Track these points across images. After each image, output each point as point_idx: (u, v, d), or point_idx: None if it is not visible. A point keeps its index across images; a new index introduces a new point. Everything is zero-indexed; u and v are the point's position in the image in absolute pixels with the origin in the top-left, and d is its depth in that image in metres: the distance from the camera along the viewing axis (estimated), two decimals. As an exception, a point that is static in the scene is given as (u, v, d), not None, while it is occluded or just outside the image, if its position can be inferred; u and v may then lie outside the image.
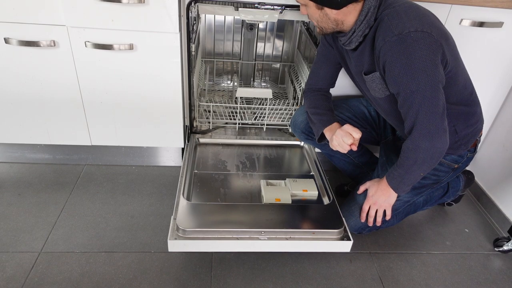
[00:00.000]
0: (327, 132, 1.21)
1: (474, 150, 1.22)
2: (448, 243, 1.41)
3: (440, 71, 0.95)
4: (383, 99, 1.10)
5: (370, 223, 1.23)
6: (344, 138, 1.12)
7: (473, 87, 1.13)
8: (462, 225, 1.51)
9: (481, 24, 1.32)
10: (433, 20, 0.97)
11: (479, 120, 1.18)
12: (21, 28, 1.20)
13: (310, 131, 1.43)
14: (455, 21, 1.32)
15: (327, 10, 1.00)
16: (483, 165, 1.65)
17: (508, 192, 1.49)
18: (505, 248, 1.38)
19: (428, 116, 0.96)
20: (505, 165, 1.52)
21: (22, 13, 1.17)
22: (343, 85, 1.44)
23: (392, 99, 1.07)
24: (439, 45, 0.93)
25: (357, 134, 1.11)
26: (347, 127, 1.13)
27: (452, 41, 1.01)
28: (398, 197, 1.19)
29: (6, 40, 1.21)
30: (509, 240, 1.38)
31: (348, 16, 1.01)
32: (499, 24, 1.33)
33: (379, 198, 1.18)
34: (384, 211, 1.21)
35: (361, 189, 1.24)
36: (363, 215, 1.23)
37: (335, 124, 1.20)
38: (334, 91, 1.45)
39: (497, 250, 1.40)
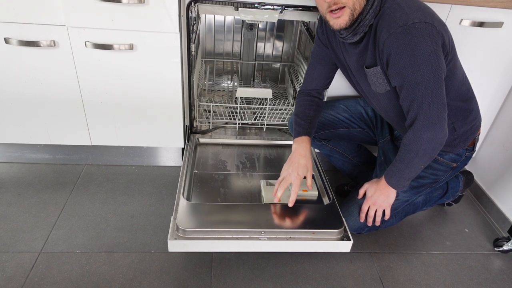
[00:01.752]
0: (294, 144, 1.22)
1: (472, 149, 1.22)
2: (448, 243, 1.41)
3: (442, 62, 0.96)
4: (383, 95, 1.10)
5: (370, 223, 1.23)
6: (287, 178, 1.16)
7: (469, 83, 1.14)
8: (462, 225, 1.51)
9: (481, 24, 1.32)
10: (432, 11, 0.97)
11: (477, 118, 1.18)
12: (21, 28, 1.20)
13: None
14: (455, 21, 1.32)
15: None
16: (483, 165, 1.65)
17: (508, 192, 1.49)
18: (505, 248, 1.38)
19: (432, 107, 0.96)
20: (505, 165, 1.52)
21: (22, 13, 1.17)
22: (340, 86, 1.44)
23: (392, 94, 1.07)
24: (441, 36, 0.94)
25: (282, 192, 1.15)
26: (295, 180, 1.15)
27: (450, 33, 1.01)
28: (397, 196, 1.19)
29: (6, 40, 1.21)
30: (509, 240, 1.38)
31: None
32: (499, 24, 1.33)
33: (378, 198, 1.18)
34: (383, 211, 1.21)
35: (361, 193, 1.24)
36: (362, 215, 1.23)
37: (303, 138, 1.21)
38: (331, 92, 1.45)
39: (497, 250, 1.40)
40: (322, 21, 1.19)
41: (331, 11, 0.98)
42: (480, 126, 1.21)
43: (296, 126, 1.24)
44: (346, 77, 1.25)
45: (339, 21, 0.99)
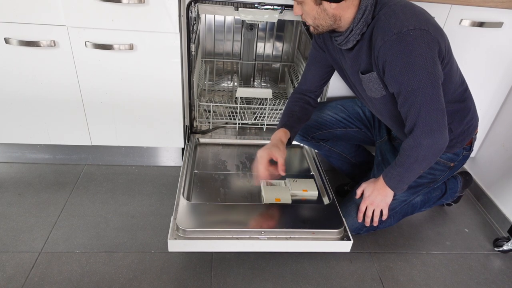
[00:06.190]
0: (272, 136, 1.23)
1: (470, 148, 1.22)
2: (448, 243, 1.41)
3: (439, 68, 0.96)
4: (378, 100, 1.10)
5: (367, 223, 1.23)
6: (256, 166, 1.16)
7: (466, 84, 1.14)
8: (462, 225, 1.51)
9: (481, 24, 1.32)
10: (428, 17, 0.97)
11: (474, 118, 1.18)
12: (21, 28, 1.20)
13: (306, 133, 1.43)
14: (455, 21, 1.32)
15: (326, 4, 0.99)
16: (483, 165, 1.65)
17: (508, 192, 1.49)
18: (505, 248, 1.38)
19: (430, 114, 0.96)
20: (505, 165, 1.52)
21: (22, 13, 1.17)
22: (339, 86, 1.45)
23: (388, 99, 1.07)
24: (437, 42, 0.94)
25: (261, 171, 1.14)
26: (261, 161, 1.14)
27: (446, 38, 1.01)
28: (394, 196, 1.19)
29: (6, 40, 1.21)
30: (509, 240, 1.38)
31: (346, 12, 1.00)
32: (499, 24, 1.33)
33: (376, 198, 1.18)
34: (381, 211, 1.21)
35: (358, 193, 1.24)
36: (360, 215, 1.23)
37: (278, 130, 1.22)
38: (330, 92, 1.46)
39: (497, 250, 1.40)
40: None
41: None
42: (477, 125, 1.21)
43: (280, 120, 1.27)
44: (344, 79, 1.25)
45: (311, 29, 1.08)
